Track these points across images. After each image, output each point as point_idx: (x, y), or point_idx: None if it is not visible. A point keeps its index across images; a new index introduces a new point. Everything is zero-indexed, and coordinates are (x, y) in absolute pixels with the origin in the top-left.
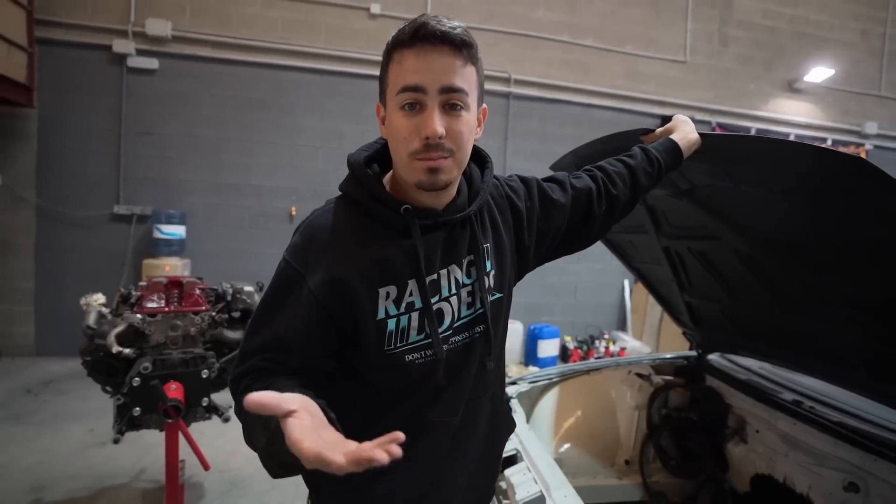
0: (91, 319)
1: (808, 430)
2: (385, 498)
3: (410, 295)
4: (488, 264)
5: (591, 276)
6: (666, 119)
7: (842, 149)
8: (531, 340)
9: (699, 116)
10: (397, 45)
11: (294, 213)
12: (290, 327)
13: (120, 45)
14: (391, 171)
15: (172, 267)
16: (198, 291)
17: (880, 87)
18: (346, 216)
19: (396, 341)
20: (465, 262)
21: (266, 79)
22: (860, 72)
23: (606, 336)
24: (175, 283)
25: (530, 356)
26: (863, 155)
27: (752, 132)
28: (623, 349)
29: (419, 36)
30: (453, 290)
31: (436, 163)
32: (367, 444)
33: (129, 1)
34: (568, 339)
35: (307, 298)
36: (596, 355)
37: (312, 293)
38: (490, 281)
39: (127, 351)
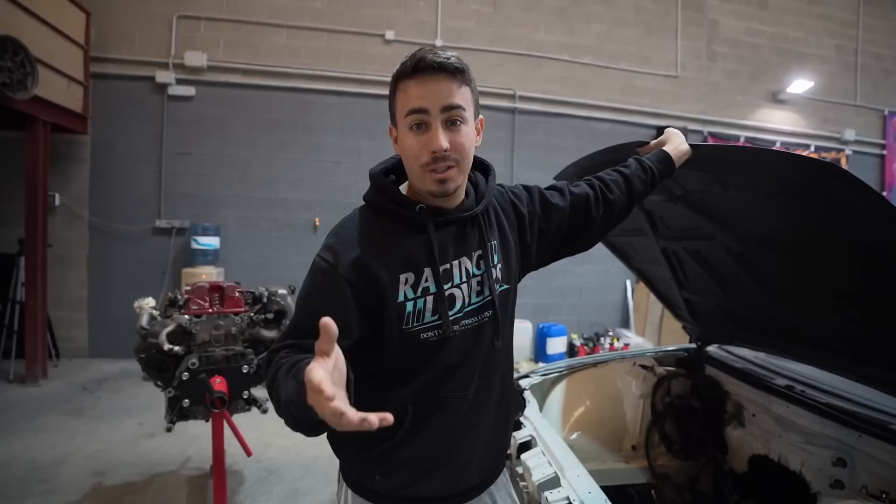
0: (144, 321)
1: (800, 411)
2: (403, 465)
3: (426, 281)
4: (495, 258)
5: (595, 277)
6: (661, 130)
7: (823, 155)
8: (540, 338)
9: (692, 127)
10: (401, 77)
11: (318, 223)
12: (326, 305)
13: (162, 76)
14: (407, 182)
15: (208, 275)
16: (237, 294)
17: (856, 97)
18: (370, 219)
19: (413, 321)
20: (474, 255)
21: (291, 101)
22: (836, 84)
23: (611, 333)
24: (216, 288)
25: (540, 353)
26: (843, 160)
27: (742, 140)
28: (627, 345)
29: (419, 68)
30: (464, 279)
31: (444, 174)
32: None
33: (171, 36)
34: (574, 336)
35: (339, 282)
36: (602, 351)
37: (343, 277)
38: (497, 273)
39: (176, 348)
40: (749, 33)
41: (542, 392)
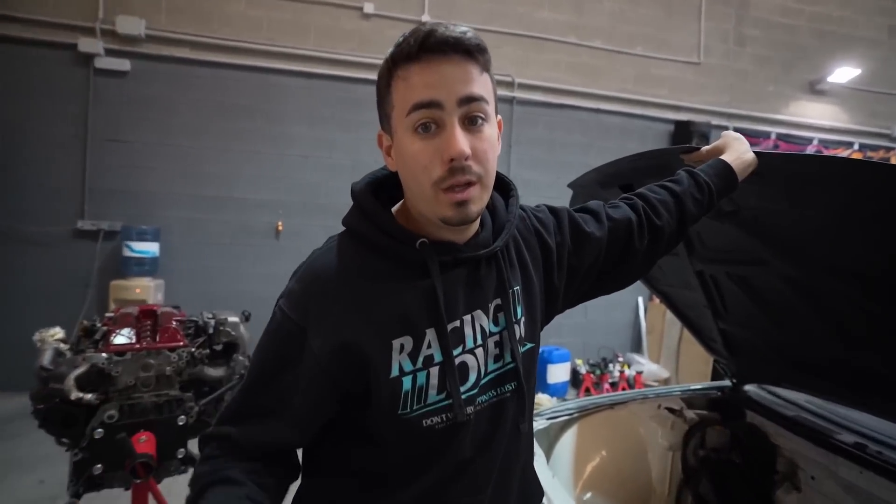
0: (46, 359)
1: (880, 480)
2: None
3: (429, 347)
4: (518, 310)
5: None
6: (680, 125)
7: (870, 154)
8: (540, 366)
9: (715, 121)
10: (401, 60)
11: (281, 227)
12: (290, 383)
13: (86, 45)
14: (402, 202)
15: (144, 288)
16: (174, 323)
17: None
18: (352, 256)
19: (413, 403)
20: (491, 306)
21: (250, 83)
22: (888, 71)
23: (620, 359)
24: (148, 314)
25: (539, 382)
26: (894, 161)
27: (772, 137)
28: (639, 373)
29: (427, 46)
30: (479, 341)
31: (464, 194)
32: None
33: None
34: (579, 362)
35: (309, 362)
36: (610, 380)
37: (315, 356)
38: (521, 329)
39: (89, 396)
40: (785, 13)
41: (549, 439)
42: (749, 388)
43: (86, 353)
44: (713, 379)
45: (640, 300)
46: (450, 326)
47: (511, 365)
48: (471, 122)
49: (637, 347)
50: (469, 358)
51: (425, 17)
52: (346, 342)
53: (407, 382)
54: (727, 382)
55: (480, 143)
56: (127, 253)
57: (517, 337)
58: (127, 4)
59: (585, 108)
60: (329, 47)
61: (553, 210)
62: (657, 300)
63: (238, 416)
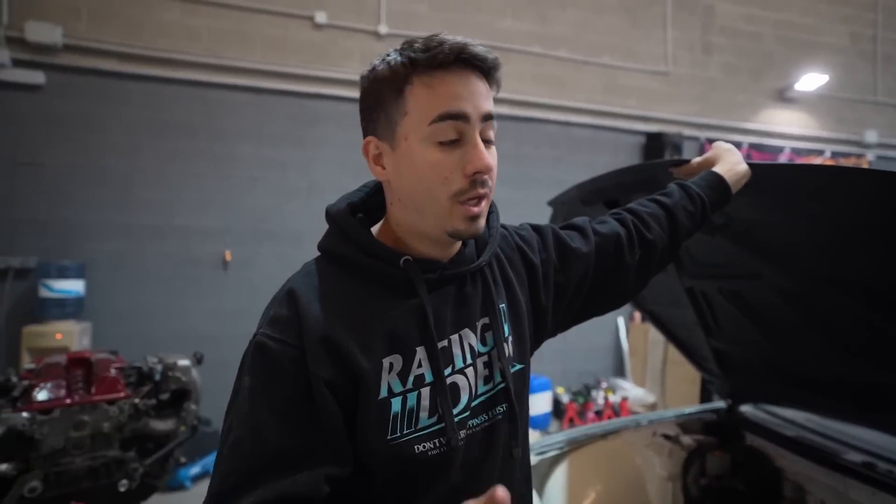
0: None
1: (893, 501)
2: None
3: (419, 366)
4: (506, 328)
5: None
6: (652, 137)
7: (842, 160)
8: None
9: (687, 132)
10: (428, 66)
11: (229, 257)
12: (318, 425)
13: None
14: (381, 223)
15: (66, 334)
16: (113, 371)
17: (876, 92)
18: (333, 278)
19: (403, 427)
20: (479, 325)
21: (189, 98)
22: (854, 77)
23: (604, 385)
24: (79, 362)
25: None
26: (864, 166)
27: (745, 146)
28: (625, 399)
29: (463, 58)
30: (468, 360)
31: (478, 208)
32: None
33: None
34: (560, 390)
35: (317, 385)
36: (595, 408)
37: (319, 377)
38: (509, 348)
39: (4, 467)
40: (750, 21)
41: (541, 476)
42: (745, 408)
43: (1, 415)
44: (702, 401)
45: (621, 321)
46: (440, 345)
47: (502, 385)
48: (486, 139)
49: (620, 371)
50: (460, 378)
51: (382, 28)
52: (337, 354)
53: (396, 404)
54: (721, 403)
55: (493, 160)
56: (44, 293)
57: (507, 355)
58: (38, 9)
59: (553, 120)
60: (278, 60)
61: (536, 228)
62: (638, 320)
63: (264, 474)
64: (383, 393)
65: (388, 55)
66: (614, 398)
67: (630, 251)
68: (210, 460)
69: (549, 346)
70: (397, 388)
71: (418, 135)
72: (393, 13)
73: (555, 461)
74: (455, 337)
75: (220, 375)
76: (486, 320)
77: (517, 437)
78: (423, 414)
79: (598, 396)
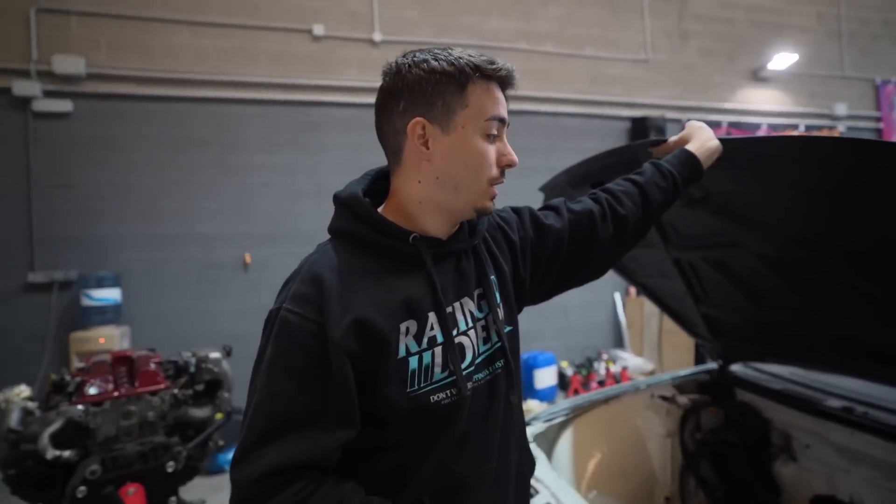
0: (14, 420)
1: (870, 439)
2: None
3: (431, 329)
4: (497, 296)
5: (580, 293)
6: (637, 121)
7: (815, 132)
8: (526, 371)
9: (669, 115)
10: (489, 75)
11: (248, 259)
12: (332, 394)
13: (21, 87)
14: (384, 206)
15: (108, 338)
16: (153, 366)
17: (843, 67)
18: (349, 255)
19: (420, 381)
20: (475, 294)
21: (202, 114)
22: (822, 55)
23: (605, 356)
24: (122, 360)
25: (527, 388)
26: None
27: (724, 125)
28: (624, 368)
29: (503, 75)
30: (470, 324)
31: (496, 192)
32: None
33: (30, 37)
34: (564, 364)
35: (335, 352)
36: (597, 378)
37: (338, 346)
38: (501, 313)
39: (67, 454)
40: (722, 6)
41: (549, 442)
42: (735, 367)
43: (59, 408)
44: (697, 364)
45: (617, 296)
46: (447, 311)
47: (498, 344)
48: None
49: (619, 343)
50: (464, 339)
51: (376, 35)
52: (361, 320)
53: (413, 362)
54: (713, 364)
55: None
56: (86, 302)
57: (500, 319)
58: (63, 43)
59: (544, 112)
60: (281, 72)
61: (515, 209)
62: (634, 295)
63: (279, 433)
64: (402, 353)
65: (436, 55)
66: (615, 368)
67: (603, 225)
68: None
69: (553, 324)
70: (413, 348)
71: (475, 126)
72: (385, 21)
73: (562, 427)
74: (457, 304)
75: (248, 368)
76: (480, 290)
77: (514, 387)
78: (437, 369)
79: (600, 367)
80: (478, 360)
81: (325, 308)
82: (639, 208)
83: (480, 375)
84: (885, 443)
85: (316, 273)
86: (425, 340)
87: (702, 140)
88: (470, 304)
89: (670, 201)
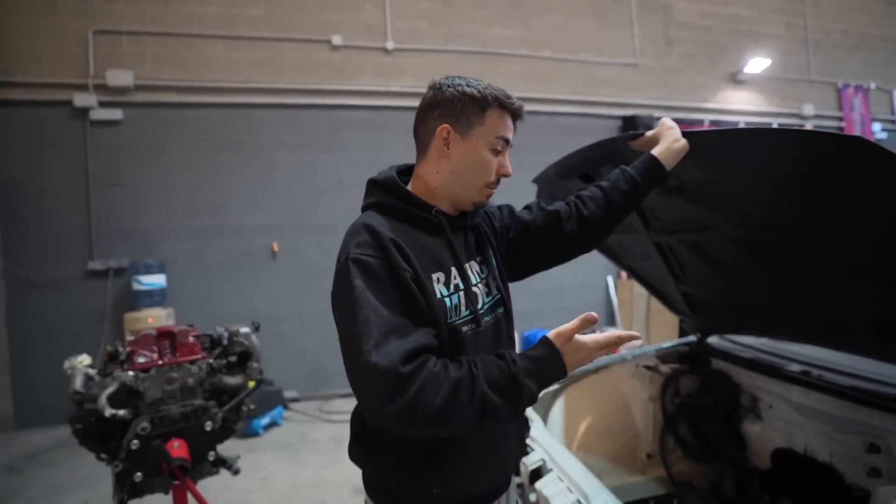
0: (78, 384)
1: (823, 398)
2: (459, 470)
3: (455, 278)
4: (494, 263)
5: (575, 276)
6: (627, 119)
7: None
8: (527, 346)
9: (656, 114)
10: (502, 104)
11: (276, 248)
12: (413, 307)
13: (81, 99)
14: (411, 185)
15: (156, 318)
16: (191, 339)
17: (810, 72)
18: (388, 222)
19: (454, 315)
20: (477, 260)
21: (234, 118)
22: (791, 60)
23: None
24: (166, 334)
25: None
26: None
27: (706, 123)
28: None
29: (517, 110)
30: (478, 279)
31: (493, 194)
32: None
33: (88, 54)
34: None
35: (402, 278)
36: None
37: (403, 270)
38: (497, 276)
39: (121, 412)
40: (703, 16)
41: (544, 408)
42: (712, 339)
43: (114, 374)
44: (680, 337)
45: (610, 279)
46: (464, 266)
47: (498, 296)
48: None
49: (611, 321)
50: (476, 289)
51: (389, 44)
52: (410, 261)
53: (447, 302)
54: (693, 337)
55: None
56: (136, 287)
57: (497, 277)
58: (115, 59)
59: (542, 111)
60: (304, 79)
61: (499, 206)
62: (625, 278)
63: (395, 332)
64: (438, 295)
65: (469, 82)
66: None
67: (568, 222)
68: (275, 412)
69: (552, 305)
70: (444, 292)
71: (485, 140)
72: (397, 31)
73: (555, 394)
74: (467, 264)
75: (276, 346)
76: (479, 258)
77: (512, 326)
78: (462, 309)
79: None
80: (486, 307)
81: (385, 249)
82: (601, 209)
83: (489, 318)
84: (834, 400)
85: (369, 226)
86: (452, 287)
87: (668, 143)
88: (475, 266)
89: (633, 201)
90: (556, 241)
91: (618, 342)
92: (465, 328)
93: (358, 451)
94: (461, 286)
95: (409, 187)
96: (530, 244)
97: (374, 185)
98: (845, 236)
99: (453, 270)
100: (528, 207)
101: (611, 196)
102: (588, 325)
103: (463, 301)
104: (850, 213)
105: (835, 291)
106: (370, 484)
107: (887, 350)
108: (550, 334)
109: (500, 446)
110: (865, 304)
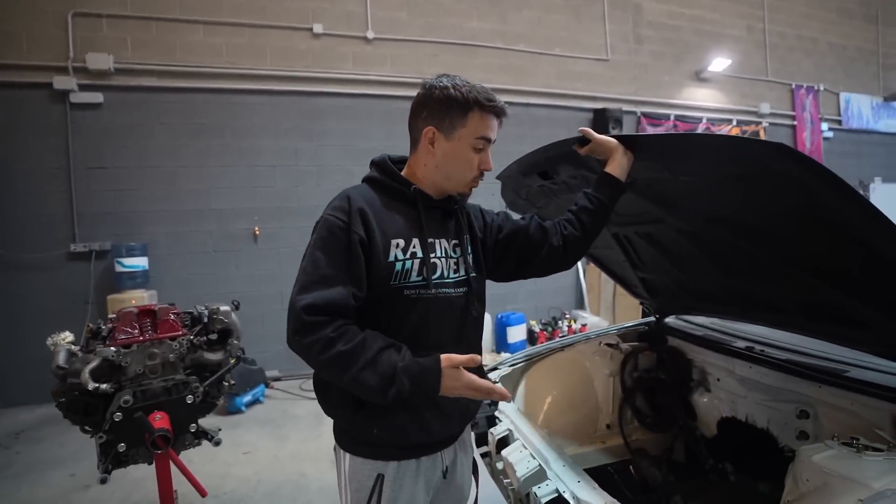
0: (61, 359)
1: (762, 370)
2: (397, 416)
3: (414, 247)
4: (469, 248)
5: None
6: (598, 112)
7: (745, 128)
8: (500, 329)
9: (626, 108)
10: (483, 106)
11: (258, 232)
12: (346, 259)
13: (61, 82)
14: (404, 170)
15: (138, 300)
16: (172, 317)
17: (767, 73)
18: (373, 193)
19: (400, 279)
20: (451, 241)
21: (216, 104)
22: (750, 61)
23: (568, 316)
24: (147, 312)
25: (501, 343)
26: (761, 132)
27: (672, 118)
28: (584, 325)
29: (500, 111)
30: (442, 254)
31: (475, 186)
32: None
33: (67, 37)
34: (533, 323)
35: (353, 241)
36: (561, 334)
37: (356, 234)
38: (469, 261)
39: (104, 386)
40: (670, 16)
41: (513, 382)
42: (668, 319)
43: (96, 350)
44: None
45: (580, 265)
46: (428, 239)
47: (464, 277)
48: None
49: (581, 305)
50: (437, 261)
51: (369, 34)
52: (369, 227)
53: (399, 266)
54: (651, 318)
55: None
56: (119, 269)
57: (469, 262)
58: (95, 42)
59: (517, 103)
60: (285, 66)
61: (499, 212)
62: (598, 268)
63: (318, 283)
64: (391, 258)
65: (455, 84)
66: (576, 326)
67: (555, 237)
68: (258, 391)
69: (524, 289)
70: (399, 256)
71: (467, 140)
72: (377, 21)
73: (524, 370)
74: (436, 240)
75: (259, 327)
76: (455, 241)
77: (474, 303)
78: (413, 274)
79: (564, 325)
80: (446, 280)
81: (352, 215)
82: (577, 230)
83: (446, 291)
84: (772, 372)
85: (349, 196)
86: (409, 254)
87: (617, 160)
88: (445, 244)
89: (602, 218)
90: (541, 249)
91: (488, 394)
92: (408, 291)
93: (320, 397)
94: (419, 255)
95: (403, 173)
96: (517, 244)
97: (372, 164)
98: (777, 230)
99: (415, 241)
100: (524, 217)
101: (581, 218)
102: (473, 364)
103: (416, 267)
104: (779, 209)
105: (771, 278)
106: (334, 428)
107: (814, 327)
108: (444, 356)
109: (444, 402)
110: (797, 288)
